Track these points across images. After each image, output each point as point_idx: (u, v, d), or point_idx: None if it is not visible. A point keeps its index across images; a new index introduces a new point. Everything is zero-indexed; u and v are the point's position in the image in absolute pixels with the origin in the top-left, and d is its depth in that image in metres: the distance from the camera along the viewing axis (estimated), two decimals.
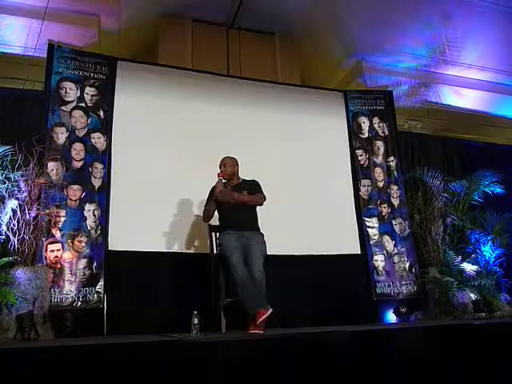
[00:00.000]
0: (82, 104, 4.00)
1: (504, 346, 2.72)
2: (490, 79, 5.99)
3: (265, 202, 3.48)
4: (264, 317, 2.92)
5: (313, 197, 4.50)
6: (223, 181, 3.45)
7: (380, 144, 5.02)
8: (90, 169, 3.87)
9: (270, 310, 2.99)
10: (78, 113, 3.96)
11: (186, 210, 4.11)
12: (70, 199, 3.72)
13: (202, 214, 3.63)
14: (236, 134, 4.46)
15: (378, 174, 4.91)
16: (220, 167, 3.50)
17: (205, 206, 3.56)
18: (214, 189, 3.48)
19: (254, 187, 3.50)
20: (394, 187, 4.90)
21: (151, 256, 3.88)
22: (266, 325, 2.98)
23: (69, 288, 3.51)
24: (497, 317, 4.22)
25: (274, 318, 3.06)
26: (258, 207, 3.49)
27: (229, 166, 3.50)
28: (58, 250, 3.54)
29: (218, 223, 3.57)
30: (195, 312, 2.82)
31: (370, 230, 4.69)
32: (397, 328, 3.40)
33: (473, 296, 4.29)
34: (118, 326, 3.41)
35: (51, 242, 3.54)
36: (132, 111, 4.17)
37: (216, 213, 3.53)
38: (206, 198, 3.55)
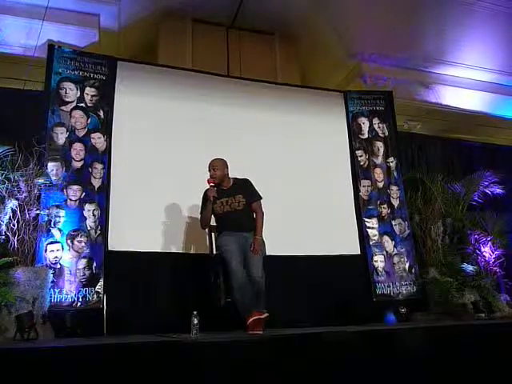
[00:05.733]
0: (82, 104, 4.00)
1: (504, 346, 2.72)
2: (489, 80, 6.01)
3: (262, 201, 3.46)
4: (255, 318, 2.90)
5: (313, 197, 4.50)
6: (214, 186, 3.33)
7: (380, 145, 5.02)
8: (90, 169, 3.86)
9: (266, 315, 2.98)
10: (77, 113, 3.95)
11: (185, 210, 4.11)
12: (70, 199, 3.72)
13: (200, 224, 3.59)
14: (236, 134, 4.46)
15: (378, 174, 4.91)
16: (209, 171, 3.38)
17: (200, 214, 3.48)
18: (205, 196, 3.39)
19: (247, 189, 3.42)
20: (394, 188, 4.91)
21: (151, 256, 3.88)
22: (265, 325, 2.97)
23: (68, 288, 3.50)
24: (496, 317, 4.22)
25: (274, 318, 3.06)
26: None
27: (218, 169, 3.37)
28: (57, 250, 3.54)
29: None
30: (195, 312, 2.82)
31: (369, 230, 4.69)
32: (396, 328, 3.40)
33: (472, 297, 4.29)
34: (118, 327, 3.42)
35: (51, 242, 3.53)
36: (132, 111, 4.17)
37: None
38: (200, 206, 3.47)
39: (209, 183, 3.35)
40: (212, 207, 3.38)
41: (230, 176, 3.48)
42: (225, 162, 3.45)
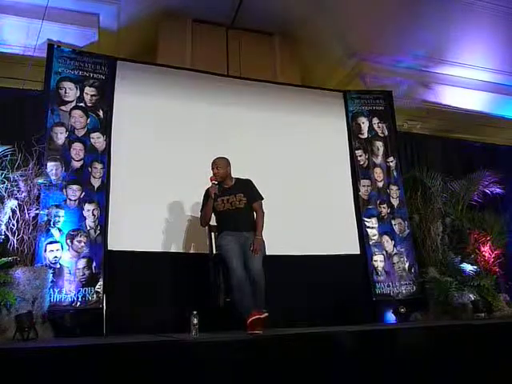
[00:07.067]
0: (82, 104, 3.99)
1: (503, 346, 2.72)
2: (489, 80, 6.00)
3: (263, 202, 3.49)
4: (255, 317, 2.89)
5: (312, 197, 4.50)
6: (216, 183, 3.38)
7: (379, 144, 5.01)
8: (90, 169, 3.86)
9: (265, 315, 2.97)
10: (77, 113, 3.95)
11: (185, 210, 4.11)
12: (70, 199, 3.71)
13: (200, 221, 3.60)
14: (235, 134, 4.46)
15: (378, 174, 4.91)
16: (212, 169, 3.42)
17: (201, 211, 3.53)
18: (207, 193, 3.43)
19: (249, 189, 3.45)
20: (394, 187, 4.90)
21: (150, 256, 3.88)
22: (265, 325, 2.97)
23: (68, 288, 3.50)
24: (496, 317, 4.22)
25: (273, 318, 3.06)
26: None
27: (221, 167, 3.41)
28: (57, 250, 3.54)
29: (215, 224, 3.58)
30: (194, 312, 2.82)
31: (369, 230, 4.69)
32: (396, 328, 3.40)
33: (472, 296, 4.29)
34: (118, 326, 3.41)
35: (50, 242, 3.53)
36: (131, 111, 4.16)
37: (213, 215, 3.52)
38: (202, 203, 3.51)
39: (211, 181, 3.39)
40: (213, 205, 3.40)
41: (232, 176, 3.51)
42: (227, 160, 3.48)
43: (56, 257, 3.52)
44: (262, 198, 3.48)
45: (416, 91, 5.99)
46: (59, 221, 3.61)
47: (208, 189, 3.43)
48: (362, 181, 4.83)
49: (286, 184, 4.42)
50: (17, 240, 3.29)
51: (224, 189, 3.43)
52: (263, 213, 3.43)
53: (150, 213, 3.92)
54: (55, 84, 3.93)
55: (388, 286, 4.53)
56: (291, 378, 2.23)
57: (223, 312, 3.35)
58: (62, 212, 3.64)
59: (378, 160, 4.97)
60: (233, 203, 3.39)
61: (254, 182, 3.52)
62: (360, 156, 4.92)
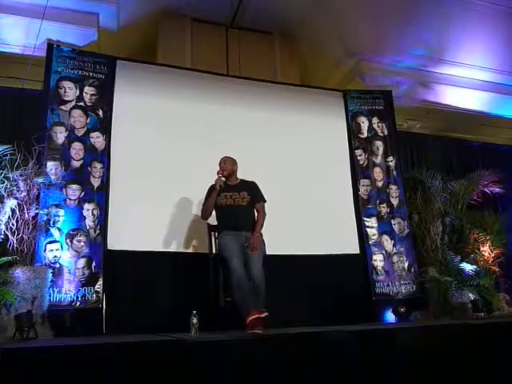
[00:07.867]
0: (81, 103, 3.99)
1: (503, 345, 2.73)
2: (489, 79, 6.00)
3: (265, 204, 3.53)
4: (255, 317, 2.89)
5: (312, 197, 4.50)
6: (222, 179, 3.47)
7: (379, 144, 5.01)
8: (89, 168, 3.86)
9: (265, 314, 2.98)
10: (77, 112, 3.95)
11: (185, 209, 4.10)
12: (69, 199, 3.71)
13: (200, 214, 3.63)
14: (235, 133, 4.46)
15: (377, 173, 4.90)
16: (219, 164, 3.53)
17: (203, 205, 3.57)
18: (211, 188, 3.49)
19: (253, 189, 3.51)
20: (393, 187, 4.90)
21: (150, 256, 3.88)
22: (265, 324, 2.97)
23: (68, 288, 3.50)
24: (495, 316, 4.22)
25: (273, 318, 3.05)
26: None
27: (228, 163, 3.53)
28: (56, 250, 3.54)
29: (216, 223, 3.58)
30: (194, 312, 2.82)
31: (369, 229, 4.69)
32: (396, 328, 3.40)
33: (471, 296, 4.30)
34: (117, 326, 3.42)
35: (50, 242, 3.53)
36: (131, 111, 4.16)
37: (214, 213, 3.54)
38: (205, 197, 3.55)
39: (218, 175, 3.46)
40: (215, 200, 3.44)
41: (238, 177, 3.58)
42: (235, 160, 3.59)
43: (56, 256, 3.52)
44: (265, 201, 3.53)
45: (416, 91, 5.98)
46: (59, 220, 3.61)
47: (212, 184, 3.48)
48: (361, 180, 4.83)
49: (286, 183, 4.42)
50: (16, 239, 3.29)
51: (229, 186, 3.50)
52: (265, 214, 3.48)
53: (149, 212, 3.92)
54: (55, 83, 3.93)
55: (388, 285, 4.53)
56: (291, 377, 2.23)
57: (223, 312, 3.35)
58: (61, 211, 3.64)
59: (378, 159, 4.97)
60: (235, 200, 3.44)
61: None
62: (360, 155, 4.92)
